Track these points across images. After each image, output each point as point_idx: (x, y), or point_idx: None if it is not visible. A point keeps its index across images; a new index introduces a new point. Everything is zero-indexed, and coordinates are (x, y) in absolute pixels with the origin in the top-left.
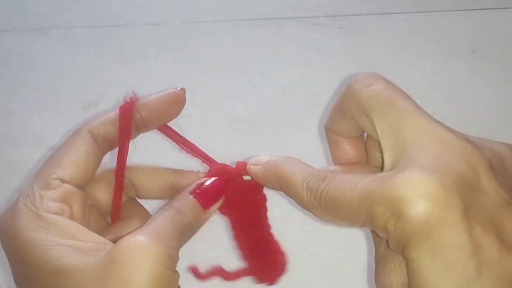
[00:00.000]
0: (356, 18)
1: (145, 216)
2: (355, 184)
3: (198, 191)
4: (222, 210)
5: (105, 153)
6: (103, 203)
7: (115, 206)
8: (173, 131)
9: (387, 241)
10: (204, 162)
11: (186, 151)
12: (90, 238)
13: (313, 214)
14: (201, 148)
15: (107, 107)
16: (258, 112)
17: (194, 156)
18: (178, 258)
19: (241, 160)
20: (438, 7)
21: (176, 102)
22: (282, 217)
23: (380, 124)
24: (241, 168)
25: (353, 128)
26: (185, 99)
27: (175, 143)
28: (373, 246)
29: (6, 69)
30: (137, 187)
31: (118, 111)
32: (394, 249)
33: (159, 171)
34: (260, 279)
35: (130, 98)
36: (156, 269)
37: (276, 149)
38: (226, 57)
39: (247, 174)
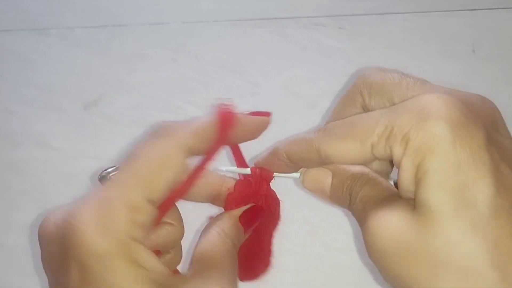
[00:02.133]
0: (356, 18)
1: (179, 221)
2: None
3: (244, 219)
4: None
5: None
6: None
7: (162, 209)
8: (240, 153)
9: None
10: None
11: (238, 174)
12: (163, 270)
13: (320, 154)
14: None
15: (107, 107)
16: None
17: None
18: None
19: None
20: (438, 7)
21: (261, 126)
22: (282, 217)
23: (397, 93)
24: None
25: None
26: (268, 124)
27: (235, 162)
28: None
29: (6, 69)
30: None
31: (216, 122)
32: (409, 167)
33: (209, 176)
34: (241, 277)
35: (227, 109)
36: None
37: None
38: (226, 57)
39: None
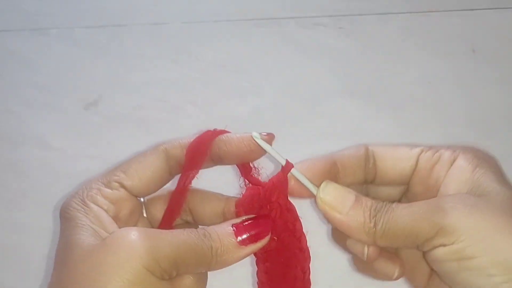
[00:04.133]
0: (356, 18)
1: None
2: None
3: (240, 225)
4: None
5: (175, 175)
6: (158, 221)
7: (163, 226)
8: (249, 172)
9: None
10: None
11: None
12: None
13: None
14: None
15: (107, 107)
16: (258, 112)
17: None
18: (175, 270)
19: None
20: (438, 7)
21: (258, 147)
22: None
23: None
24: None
25: None
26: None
27: (245, 181)
28: None
29: (6, 69)
30: (192, 211)
31: (196, 138)
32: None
33: (213, 197)
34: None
35: (213, 130)
36: (135, 266)
37: (276, 149)
38: (226, 57)
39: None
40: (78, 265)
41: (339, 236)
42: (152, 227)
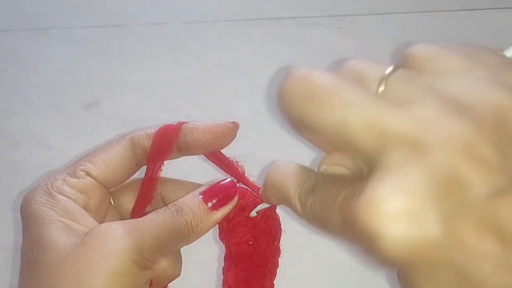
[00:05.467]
0: (356, 18)
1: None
2: (333, 202)
3: (207, 191)
4: (223, 236)
5: (142, 165)
6: (127, 212)
7: (134, 215)
8: (219, 159)
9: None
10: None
11: (231, 177)
12: (88, 223)
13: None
14: (247, 177)
15: (107, 107)
16: (258, 112)
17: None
18: (158, 256)
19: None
20: (438, 7)
21: (225, 135)
22: (282, 216)
23: None
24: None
25: None
26: (235, 134)
27: (220, 170)
28: None
29: (6, 69)
30: (165, 200)
31: (160, 128)
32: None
33: (186, 185)
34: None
35: (179, 122)
36: (121, 261)
37: (276, 149)
38: (226, 57)
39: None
40: (57, 266)
41: None
42: (122, 216)
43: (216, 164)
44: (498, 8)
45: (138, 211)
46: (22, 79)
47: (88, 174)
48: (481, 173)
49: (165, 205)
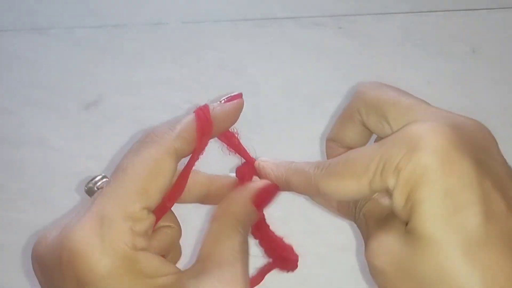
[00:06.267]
0: (356, 18)
1: (175, 222)
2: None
3: (257, 198)
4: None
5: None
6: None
7: (158, 214)
8: (232, 136)
9: (390, 194)
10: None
11: (236, 154)
12: (169, 271)
13: (319, 190)
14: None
15: (107, 107)
16: (258, 112)
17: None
18: None
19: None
20: (438, 7)
21: (237, 110)
22: (282, 216)
23: (392, 115)
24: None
25: (360, 134)
26: (243, 103)
27: (228, 148)
28: None
29: (6, 69)
30: (191, 190)
31: (194, 120)
32: (400, 197)
33: (196, 176)
34: (284, 267)
35: (202, 107)
36: None
37: (276, 149)
38: (226, 57)
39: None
40: None
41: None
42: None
43: (229, 146)
44: (499, 8)
45: (170, 200)
46: (22, 79)
47: (149, 210)
48: None
49: (192, 196)
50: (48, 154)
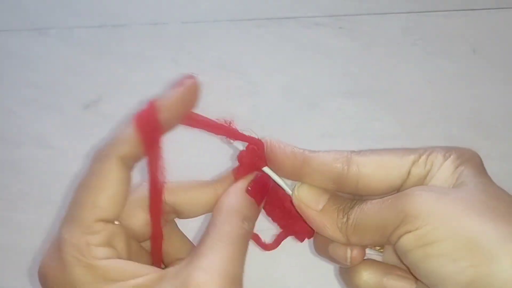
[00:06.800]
0: (356, 18)
1: (182, 236)
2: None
3: (251, 189)
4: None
5: (132, 169)
6: (140, 230)
7: (154, 240)
8: (196, 117)
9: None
10: (232, 138)
11: (212, 132)
12: (149, 271)
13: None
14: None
15: (107, 107)
16: (258, 112)
17: (222, 136)
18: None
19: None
20: (438, 7)
21: (190, 90)
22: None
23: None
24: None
25: None
26: (199, 85)
27: (199, 129)
28: None
29: (6, 69)
30: (180, 208)
31: (135, 123)
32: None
33: (200, 187)
34: (300, 236)
35: (147, 105)
36: None
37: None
38: (226, 57)
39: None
40: None
41: (321, 245)
42: (137, 238)
43: (201, 128)
44: (499, 8)
45: (156, 227)
46: (22, 79)
47: (105, 221)
48: None
49: (179, 214)
50: (48, 154)
